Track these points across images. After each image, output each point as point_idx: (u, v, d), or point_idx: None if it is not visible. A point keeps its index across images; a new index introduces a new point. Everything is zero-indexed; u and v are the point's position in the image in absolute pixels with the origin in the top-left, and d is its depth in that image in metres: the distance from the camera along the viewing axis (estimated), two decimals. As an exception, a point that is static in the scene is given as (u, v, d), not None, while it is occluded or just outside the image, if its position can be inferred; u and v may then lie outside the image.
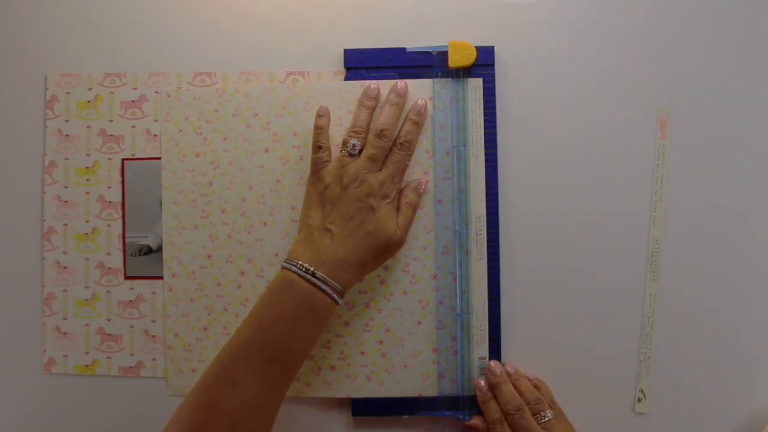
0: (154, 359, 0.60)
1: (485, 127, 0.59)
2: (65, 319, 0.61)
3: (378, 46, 0.59)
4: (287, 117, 0.59)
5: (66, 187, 0.61)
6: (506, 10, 0.61)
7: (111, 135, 0.61)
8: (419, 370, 0.58)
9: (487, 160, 0.59)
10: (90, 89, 0.61)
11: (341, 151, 0.55)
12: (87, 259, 0.61)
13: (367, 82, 0.58)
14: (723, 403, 0.60)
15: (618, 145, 0.60)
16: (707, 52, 0.61)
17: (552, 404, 0.57)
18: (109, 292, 0.60)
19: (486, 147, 0.59)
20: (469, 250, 0.58)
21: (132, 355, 0.60)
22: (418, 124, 0.57)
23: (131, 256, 0.61)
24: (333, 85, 0.59)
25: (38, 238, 0.61)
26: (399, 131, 0.57)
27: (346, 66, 0.60)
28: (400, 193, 0.57)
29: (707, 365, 0.60)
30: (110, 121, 0.61)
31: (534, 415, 0.55)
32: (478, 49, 0.58)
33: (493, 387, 0.57)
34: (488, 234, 0.59)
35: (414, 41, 0.59)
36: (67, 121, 0.61)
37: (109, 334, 0.61)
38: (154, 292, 0.60)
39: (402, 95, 0.57)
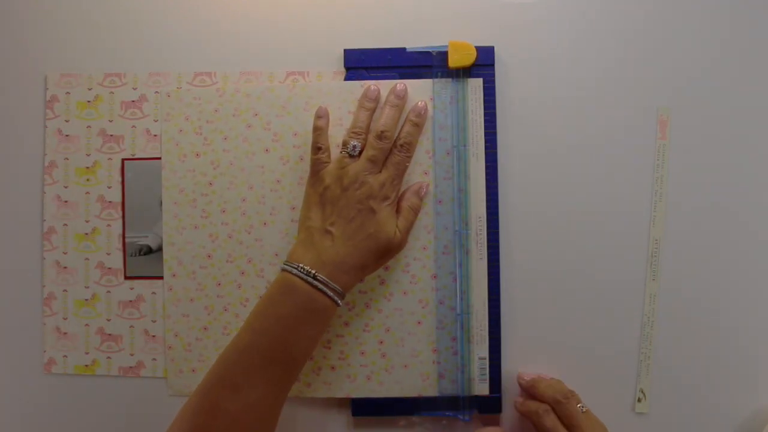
0: (154, 359, 0.60)
1: (485, 127, 0.59)
2: (65, 319, 0.61)
3: (378, 46, 0.59)
4: (287, 117, 0.59)
5: (66, 187, 0.61)
6: (506, 10, 0.61)
7: (111, 135, 0.61)
8: (419, 370, 0.58)
9: (487, 160, 0.59)
10: (90, 89, 0.61)
11: (341, 152, 0.55)
12: (87, 259, 0.61)
13: (367, 83, 0.58)
14: (723, 403, 0.60)
15: (618, 145, 0.60)
16: (707, 52, 0.61)
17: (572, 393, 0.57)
18: (109, 292, 0.60)
19: (486, 147, 0.59)
20: (469, 250, 0.58)
21: (132, 355, 0.60)
22: (418, 126, 0.57)
23: (131, 256, 0.61)
24: (333, 85, 0.59)
25: (38, 238, 0.61)
26: (399, 132, 0.57)
27: (346, 66, 0.60)
28: (401, 195, 0.57)
29: (707, 365, 0.60)
30: (110, 121, 0.61)
31: None
32: (478, 49, 0.58)
33: (530, 387, 0.57)
34: (488, 234, 0.59)
35: (414, 41, 0.59)
36: (67, 121, 0.61)
37: (109, 334, 0.61)
38: (154, 292, 0.60)
39: (401, 97, 0.57)
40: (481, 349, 0.59)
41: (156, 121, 0.60)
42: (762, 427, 0.58)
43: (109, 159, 0.61)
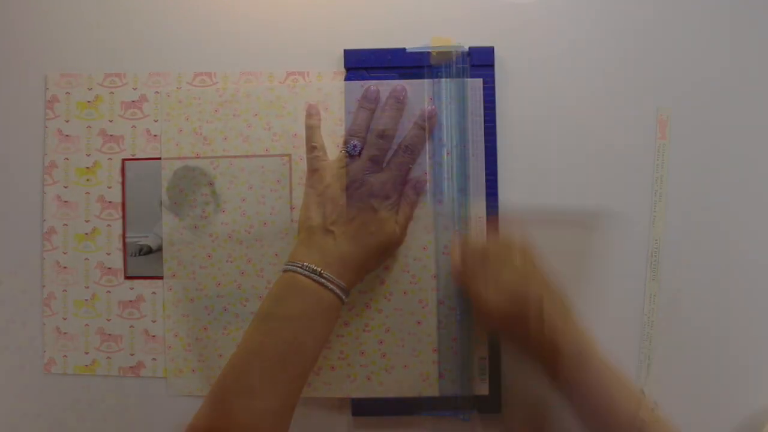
0: (154, 359, 0.60)
1: (485, 127, 0.59)
2: (65, 319, 0.61)
3: (378, 46, 0.59)
4: (287, 117, 0.59)
5: (66, 187, 0.61)
6: (506, 10, 0.61)
7: (111, 135, 0.61)
8: (419, 370, 0.58)
9: (487, 160, 0.59)
10: (90, 89, 0.61)
11: (341, 151, 0.55)
12: (87, 259, 0.61)
13: (367, 83, 0.58)
14: (723, 403, 0.60)
15: (618, 145, 0.60)
16: (707, 52, 0.61)
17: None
18: (109, 292, 0.60)
19: (486, 147, 0.59)
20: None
21: (132, 355, 0.60)
22: (424, 130, 0.57)
23: (131, 256, 0.61)
24: (333, 85, 0.59)
25: (38, 238, 0.61)
26: (406, 135, 0.57)
27: (346, 66, 0.59)
28: (400, 194, 0.57)
29: (707, 365, 0.60)
30: (110, 121, 0.61)
31: None
32: (479, 49, 0.58)
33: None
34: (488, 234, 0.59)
35: (414, 41, 0.59)
36: (67, 121, 0.61)
37: (109, 334, 0.61)
38: (154, 292, 0.60)
39: (401, 99, 0.57)
40: (481, 349, 0.59)
41: (156, 121, 0.60)
42: (762, 427, 0.58)
43: (110, 159, 0.61)
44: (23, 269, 0.61)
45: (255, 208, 0.60)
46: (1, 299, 0.61)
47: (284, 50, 0.60)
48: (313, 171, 0.55)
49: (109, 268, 0.61)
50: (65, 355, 0.61)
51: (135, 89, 0.61)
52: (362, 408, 0.59)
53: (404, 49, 0.59)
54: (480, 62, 0.59)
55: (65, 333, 0.61)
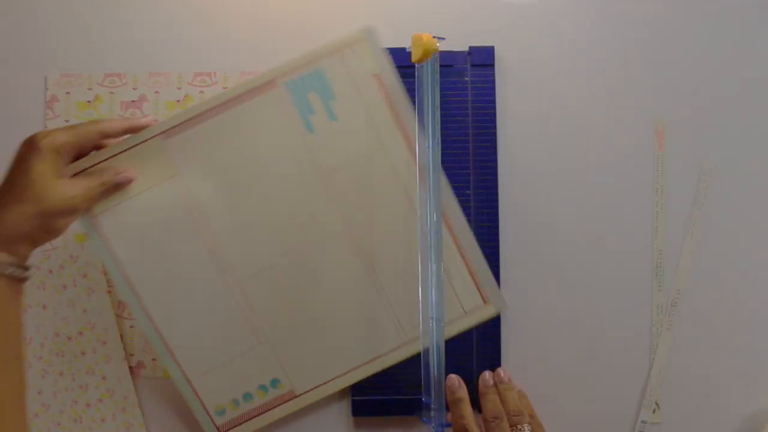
0: (154, 359, 0.60)
1: (486, 127, 0.59)
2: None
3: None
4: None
5: (66, 187, 0.61)
6: (506, 10, 0.61)
7: (111, 135, 0.61)
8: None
9: (487, 160, 0.59)
10: (90, 89, 0.61)
11: None
12: (87, 259, 0.61)
13: None
14: (723, 404, 0.60)
15: (616, 152, 0.60)
16: (707, 52, 0.61)
17: (531, 417, 0.55)
18: (109, 291, 0.60)
19: (486, 147, 0.59)
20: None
21: (132, 355, 0.60)
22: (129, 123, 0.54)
23: (131, 256, 0.61)
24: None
25: (38, 238, 0.61)
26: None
27: (346, 66, 0.60)
28: (103, 168, 0.54)
29: (707, 366, 0.60)
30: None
31: (511, 426, 0.54)
32: (479, 48, 0.59)
33: (480, 394, 0.56)
34: (489, 236, 0.59)
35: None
36: (67, 121, 0.61)
37: (109, 334, 0.61)
38: (154, 292, 0.60)
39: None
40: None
41: (156, 121, 0.60)
42: (762, 427, 0.58)
43: (109, 159, 0.61)
44: (23, 269, 0.61)
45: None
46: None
47: (284, 50, 0.60)
48: None
49: (109, 268, 0.61)
50: (65, 355, 0.61)
51: (135, 89, 0.61)
52: (362, 408, 0.59)
53: (404, 48, 0.59)
54: (480, 62, 0.59)
55: (65, 333, 0.61)
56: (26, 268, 0.49)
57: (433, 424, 0.55)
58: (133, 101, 0.61)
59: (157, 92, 0.61)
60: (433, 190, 0.56)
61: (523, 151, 0.60)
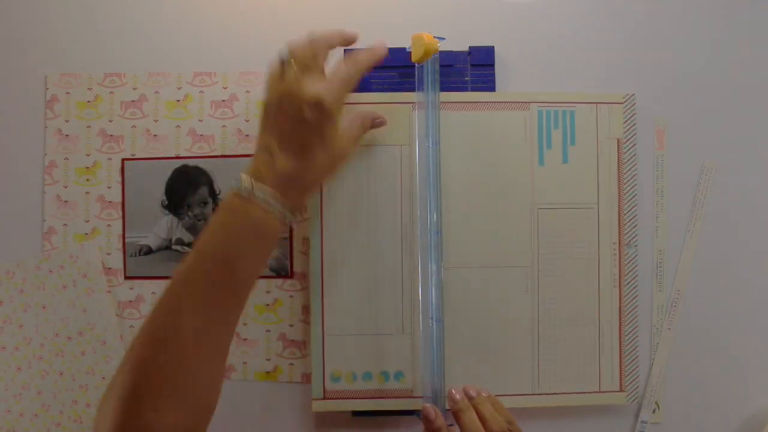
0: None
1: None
2: (65, 319, 0.61)
3: (378, 47, 0.59)
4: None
5: (66, 187, 0.61)
6: (506, 10, 0.61)
7: (111, 135, 0.61)
8: None
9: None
10: (90, 89, 0.61)
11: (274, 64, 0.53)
12: (87, 259, 0.61)
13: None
14: (723, 404, 0.60)
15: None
16: (708, 54, 0.61)
17: (510, 424, 0.52)
18: (109, 292, 0.60)
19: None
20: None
21: (132, 355, 0.60)
22: (375, 54, 0.54)
23: (131, 256, 0.61)
24: None
25: (38, 238, 0.61)
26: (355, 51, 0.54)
27: (346, 66, 0.60)
28: (357, 113, 0.55)
29: (707, 366, 0.60)
30: (110, 121, 0.61)
31: None
32: (479, 48, 0.58)
33: (454, 414, 0.53)
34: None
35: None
36: (67, 121, 0.61)
37: (109, 334, 0.61)
38: (154, 293, 0.60)
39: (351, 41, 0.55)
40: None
41: (156, 121, 0.60)
42: (762, 427, 0.58)
43: (109, 159, 0.61)
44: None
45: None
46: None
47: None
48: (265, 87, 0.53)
49: (109, 269, 0.61)
50: (65, 355, 0.61)
51: (135, 89, 0.61)
52: (362, 408, 0.59)
53: (404, 48, 0.59)
54: (480, 62, 0.59)
55: (65, 333, 0.61)
56: (294, 214, 0.51)
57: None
58: (133, 101, 0.61)
59: (157, 92, 0.61)
60: (434, 189, 0.56)
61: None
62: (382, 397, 0.57)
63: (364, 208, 0.58)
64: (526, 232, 0.58)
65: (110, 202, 0.61)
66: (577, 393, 0.58)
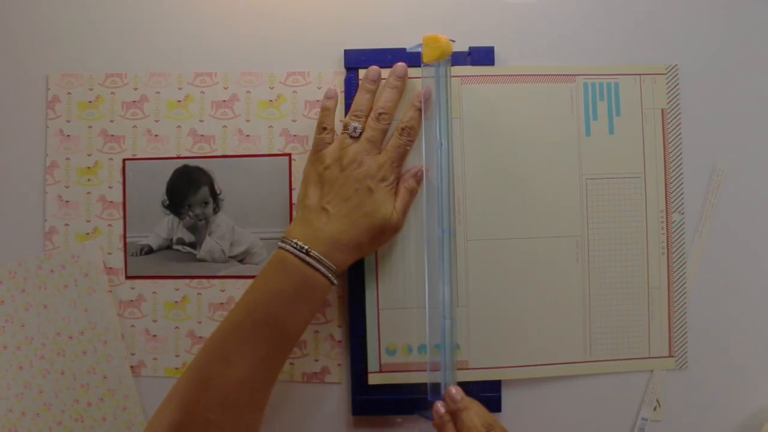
0: (155, 359, 0.60)
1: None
2: (66, 318, 0.61)
3: (378, 46, 0.60)
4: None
5: (67, 187, 0.61)
6: (506, 10, 0.61)
7: (112, 135, 0.61)
8: None
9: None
10: (91, 89, 0.61)
11: (343, 133, 0.56)
12: (88, 258, 0.61)
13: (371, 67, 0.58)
14: (723, 403, 0.60)
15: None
16: (707, 57, 0.61)
17: (491, 427, 0.52)
18: (110, 291, 0.60)
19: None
20: (454, 251, 0.58)
21: (133, 354, 0.60)
22: (420, 111, 0.57)
23: (132, 255, 0.61)
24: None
25: (40, 238, 0.61)
26: (403, 117, 0.57)
27: (346, 66, 0.60)
28: (399, 178, 0.57)
29: (707, 366, 0.60)
30: (111, 121, 0.61)
31: None
32: (479, 49, 0.59)
33: (436, 427, 0.54)
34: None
35: (414, 41, 0.59)
36: (68, 121, 0.61)
37: (110, 334, 0.61)
38: (155, 292, 0.60)
39: (401, 77, 0.57)
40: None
41: (157, 121, 0.61)
42: (761, 427, 0.58)
43: (110, 159, 0.61)
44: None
45: (254, 208, 0.60)
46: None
47: (284, 50, 0.61)
48: (317, 151, 0.56)
49: (111, 268, 0.61)
50: (66, 355, 0.61)
51: (136, 89, 0.61)
52: (362, 408, 0.59)
53: (404, 49, 0.59)
54: (480, 62, 0.59)
55: (66, 332, 0.61)
56: (337, 276, 0.53)
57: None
58: (134, 101, 0.61)
59: (158, 92, 0.61)
60: (446, 188, 0.56)
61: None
62: (436, 370, 0.58)
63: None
64: (575, 203, 0.59)
65: (111, 201, 0.61)
66: (627, 359, 0.59)
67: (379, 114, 0.55)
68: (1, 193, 0.61)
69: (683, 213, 0.59)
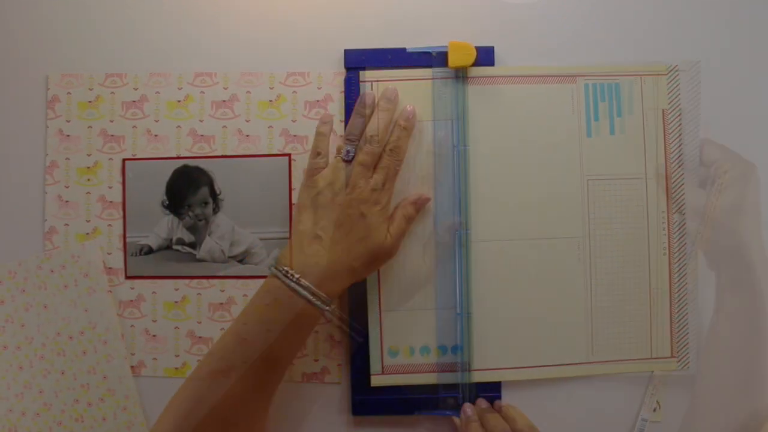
0: (155, 359, 0.60)
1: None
2: (66, 318, 0.61)
3: (378, 46, 0.59)
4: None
5: (67, 187, 0.61)
6: (506, 10, 0.61)
7: (112, 135, 0.61)
8: None
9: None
10: (91, 89, 0.61)
11: (336, 157, 0.55)
12: (88, 258, 0.61)
13: (364, 91, 0.58)
14: (722, 403, 0.60)
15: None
16: (707, 56, 0.61)
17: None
18: (110, 291, 0.60)
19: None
20: (469, 251, 0.58)
21: (133, 354, 0.60)
22: (406, 129, 0.57)
23: (132, 255, 0.61)
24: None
25: (39, 238, 0.61)
26: (389, 137, 0.56)
27: (346, 66, 0.60)
28: (397, 204, 0.57)
29: (707, 365, 0.60)
30: (111, 121, 0.61)
31: None
32: (478, 49, 0.58)
33: (482, 415, 0.56)
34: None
35: (414, 41, 0.59)
36: (68, 121, 0.61)
37: (110, 334, 0.61)
38: (154, 292, 0.60)
39: (392, 99, 0.57)
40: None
41: (157, 121, 0.61)
42: (761, 427, 0.58)
43: (110, 159, 0.61)
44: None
45: (254, 208, 0.60)
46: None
47: (284, 50, 0.60)
48: (310, 176, 0.55)
49: (110, 268, 0.61)
50: (66, 355, 0.61)
51: (136, 89, 0.61)
52: (362, 408, 0.59)
53: (404, 49, 0.59)
54: (480, 62, 0.59)
55: (66, 332, 0.61)
56: (328, 305, 0.52)
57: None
58: (134, 101, 0.61)
59: (158, 92, 0.61)
60: (460, 188, 0.57)
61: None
62: (439, 371, 0.58)
63: (418, 185, 0.59)
64: (577, 203, 0.59)
65: (111, 201, 0.61)
66: (629, 360, 0.59)
67: (370, 137, 0.55)
68: (1, 193, 0.61)
69: (684, 213, 0.59)
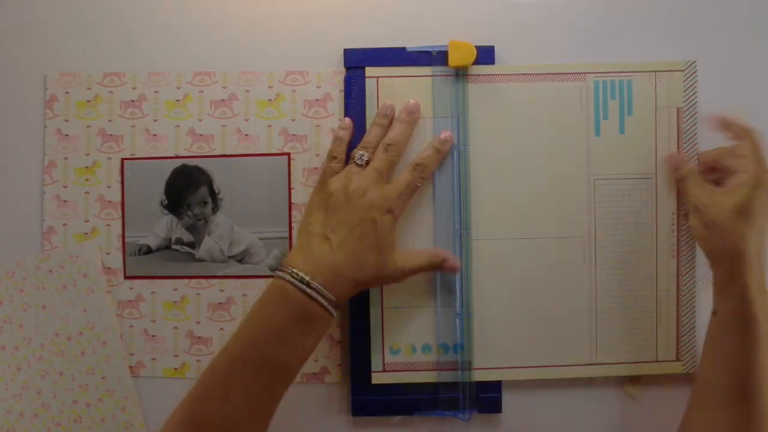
0: (154, 359, 0.60)
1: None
2: (65, 318, 0.61)
3: (378, 46, 0.59)
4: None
5: (65, 187, 0.61)
6: (506, 10, 0.60)
7: (110, 135, 0.61)
8: None
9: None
10: (89, 89, 0.61)
11: (350, 163, 0.55)
12: (86, 258, 0.61)
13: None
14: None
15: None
16: (708, 56, 0.61)
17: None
18: (109, 291, 0.60)
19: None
20: (470, 250, 0.58)
21: (132, 354, 0.60)
22: (440, 152, 0.57)
23: (131, 255, 0.61)
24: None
25: (38, 238, 0.61)
26: (420, 153, 0.56)
27: (346, 66, 0.59)
28: (426, 251, 0.57)
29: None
30: (109, 120, 0.61)
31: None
32: (478, 49, 0.58)
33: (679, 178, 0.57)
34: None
35: (414, 41, 0.59)
36: (66, 120, 0.61)
37: (109, 334, 0.61)
38: (153, 292, 0.60)
39: (413, 112, 0.57)
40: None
41: (156, 120, 0.60)
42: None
43: (109, 159, 0.61)
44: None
45: (253, 207, 0.60)
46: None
47: (284, 50, 0.60)
48: (323, 180, 0.55)
49: (109, 268, 0.61)
50: (65, 355, 0.61)
51: (134, 89, 0.61)
52: (362, 408, 0.59)
53: (404, 49, 0.59)
54: (480, 62, 0.59)
55: (65, 333, 0.61)
56: (337, 308, 0.52)
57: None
58: (133, 101, 0.61)
59: (156, 92, 0.61)
60: (460, 187, 0.57)
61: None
62: (440, 369, 0.58)
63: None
64: (583, 203, 0.58)
65: (110, 201, 0.61)
66: (634, 363, 0.59)
67: (388, 145, 0.55)
68: (0, 192, 0.61)
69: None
